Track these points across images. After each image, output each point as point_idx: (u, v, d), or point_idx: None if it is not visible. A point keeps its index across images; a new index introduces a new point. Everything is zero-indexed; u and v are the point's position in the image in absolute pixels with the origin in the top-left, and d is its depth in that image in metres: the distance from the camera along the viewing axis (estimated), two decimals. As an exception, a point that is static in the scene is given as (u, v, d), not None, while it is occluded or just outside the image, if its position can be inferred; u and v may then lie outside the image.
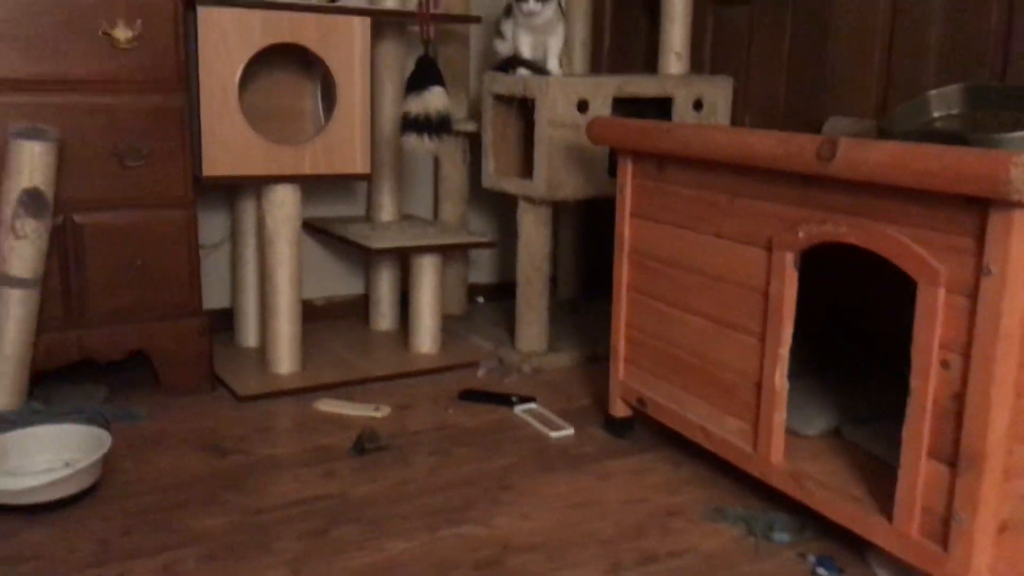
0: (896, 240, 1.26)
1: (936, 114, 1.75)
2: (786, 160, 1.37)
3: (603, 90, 2.23)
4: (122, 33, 1.92)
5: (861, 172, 1.25)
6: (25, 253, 1.83)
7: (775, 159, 1.40)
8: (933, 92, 1.76)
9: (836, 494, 1.42)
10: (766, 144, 1.41)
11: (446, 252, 2.53)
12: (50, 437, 1.72)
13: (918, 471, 1.27)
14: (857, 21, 2.15)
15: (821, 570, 1.43)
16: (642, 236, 1.80)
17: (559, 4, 2.32)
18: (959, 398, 1.20)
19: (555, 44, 2.33)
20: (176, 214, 2.03)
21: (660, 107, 2.34)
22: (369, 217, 2.63)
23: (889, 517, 1.32)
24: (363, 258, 2.76)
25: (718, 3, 2.53)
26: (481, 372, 2.33)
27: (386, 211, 2.58)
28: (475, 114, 2.63)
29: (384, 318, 2.66)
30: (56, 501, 1.56)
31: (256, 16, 2.04)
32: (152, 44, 1.94)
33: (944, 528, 1.24)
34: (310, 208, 2.56)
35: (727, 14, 2.51)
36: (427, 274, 2.41)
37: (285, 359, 2.24)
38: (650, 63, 2.63)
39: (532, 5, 2.23)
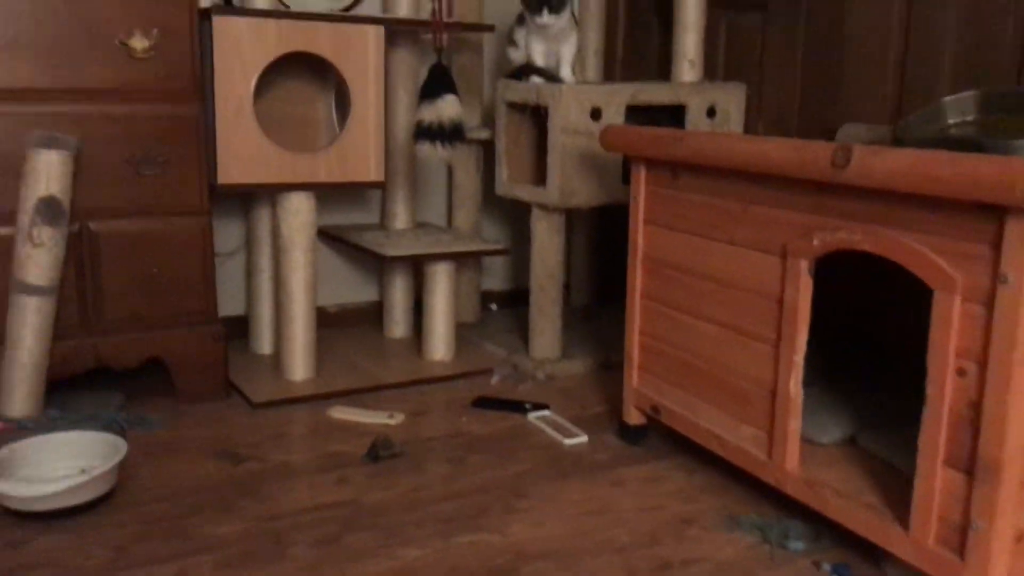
0: (912, 248, 1.26)
1: (951, 121, 1.74)
2: (800, 167, 1.37)
3: (616, 98, 2.23)
4: (139, 43, 1.93)
5: (876, 179, 1.24)
6: (42, 261, 1.85)
7: (789, 167, 1.39)
8: (948, 98, 1.75)
9: (852, 502, 1.42)
10: (780, 151, 1.41)
11: (460, 259, 2.53)
12: (66, 444, 1.72)
13: (934, 480, 1.26)
14: (871, 27, 2.14)
15: (837, 579, 1.43)
16: (656, 243, 1.79)
17: (572, 13, 2.32)
18: (975, 406, 1.20)
19: (568, 52, 2.34)
20: (192, 222, 2.04)
21: (673, 115, 2.34)
22: (383, 225, 2.64)
23: (905, 526, 1.31)
24: (377, 265, 2.77)
25: (731, 10, 2.53)
26: (495, 379, 2.34)
27: (400, 219, 2.59)
28: (488, 122, 2.63)
29: (398, 325, 2.66)
30: (72, 508, 1.57)
31: (271, 25, 2.05)
32: (168, 54, 1.96)
33: (961, 537, 1.23)
34: (324, 216, 2.57)
35: (740, 21, 2.51)
36: (441, 281, 2.41)
37: (300, 366, 2.25)
38: (663, 71, 2.63)
39: (546, 18, 2.24)
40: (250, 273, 2.46)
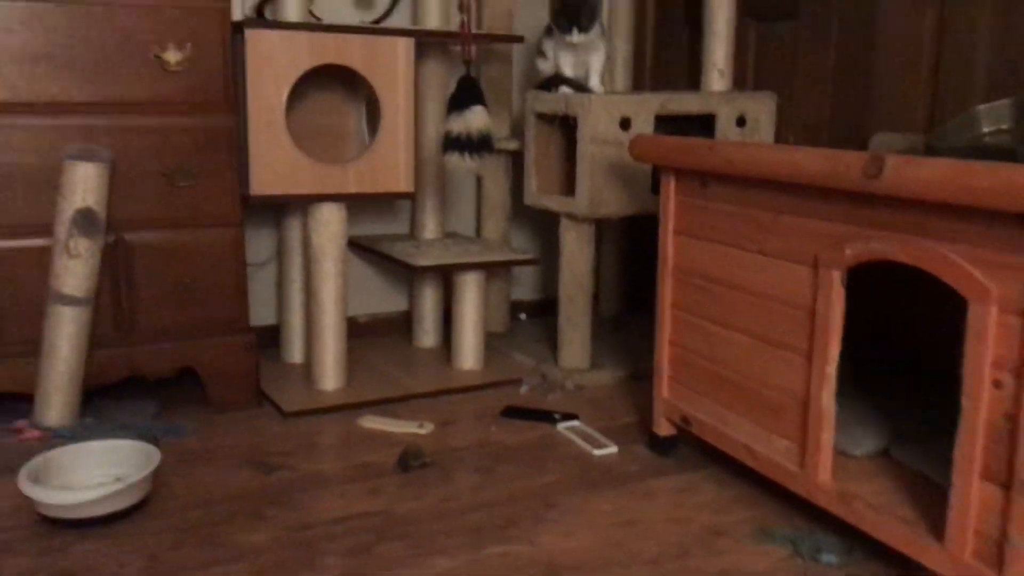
0: (946, 258, 1.24)
1: (986, 129, 1.72)
2: (832, 177, 1.36)
3: (646, 107, 2.23)
4: (172, 56, 1.96)
5: (909, 189, 1.23)
6: (78, 272, 1.88)
7: (821, 176, 1.39)
8: (982, 107, 1.73)
9: (885, 515, 1.40)
10: (812, 161, 1.40)
11: (489, 269, 2.54)
12: (101, 452, 1.75)
13: (971, 493, 1.24)
14: (903, 35, 2.13)
15: (871, 593, 1.41)
16: (685, 254, 1.79)
17: (600, 23, 2.33)
18: (1012, 419, 1.18)
19: (597, 62, 2.34)
20: (224, 233, 2.07)
21: (702, 124, 2.33)
22: (412, 235, 2.65)
23: (941, 540, 1.30)
24: (406, 275, 2.78)
25: (761, 19, 2.52)
26: (524, 389, 2.34)
27: (429, 229, 2.60)
28: (517, 132, 2.64)
29: (427, 335, 2.67)
30: (107, 516, 1.59)
31: (302, 38, 2.07)
32: (201, 66, 1.98)
33: (998, 552, 1.21)
34: (354, 226, 2.58)
35: (770, 30, 2.50)
36: (470, 291, 2.42)
37: (330, 376, 2.26)
38: (693, 80, 2.62)
39: (576, 37, 2.25)
40: (281, 283, 2.48)
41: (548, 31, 2.39)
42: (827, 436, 1.49)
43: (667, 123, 2.27)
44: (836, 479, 1.50)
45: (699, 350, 1.78)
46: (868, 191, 1.30)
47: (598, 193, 2.21)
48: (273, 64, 2.06)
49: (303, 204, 2.25)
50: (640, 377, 2.40)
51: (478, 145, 2.26)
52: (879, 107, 2.20)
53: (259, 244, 2.54)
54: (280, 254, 2.48)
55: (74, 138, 1.91)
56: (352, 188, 2.19)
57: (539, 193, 2.40)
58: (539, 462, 1.90)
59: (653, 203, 2.21)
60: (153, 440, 1.86)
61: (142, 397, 2.13)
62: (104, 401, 2.05)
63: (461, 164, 2.26)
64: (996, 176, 1.12)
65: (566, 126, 2.33)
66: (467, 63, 2.29)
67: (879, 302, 1.86)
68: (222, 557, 1.50)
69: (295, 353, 2.48)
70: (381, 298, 2.80)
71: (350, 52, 2.13)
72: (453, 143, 2.25)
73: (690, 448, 1.93)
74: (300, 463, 1.88)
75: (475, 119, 2.25)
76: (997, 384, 1.20)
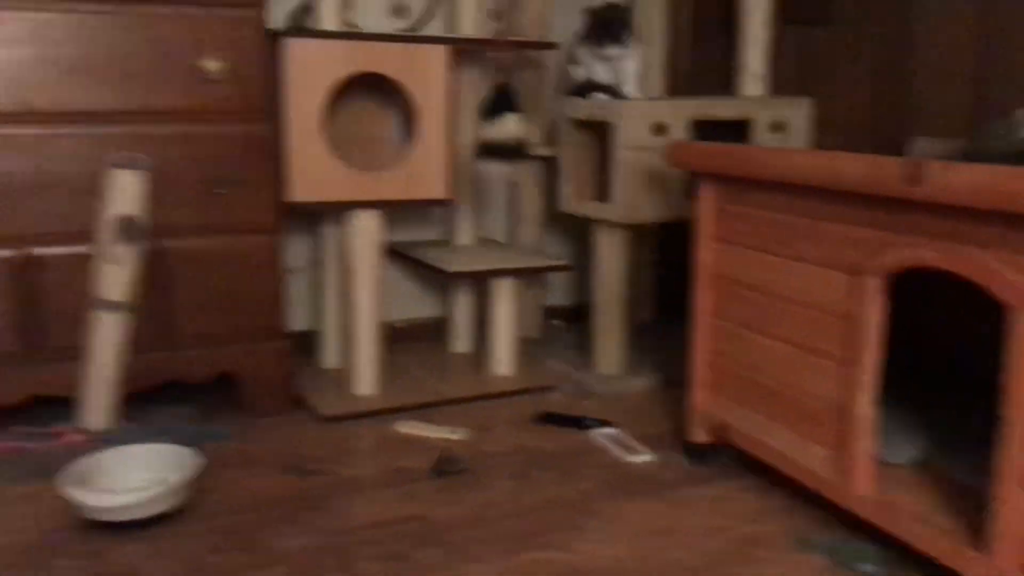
0: (987, 265, 1.23)
1: (1027, 134, 1.70)
2: (871, 184, 1.35)
3: (681, 113, 2.22)
4: (211, 65, 1.98)
5: (949, 195, 1.22)
6: (120, 278, 1.91)
7: (860, 183, 1.38)
8: (1022, 111, 1.71)
9: (927, 525, 1.39)
10: (850, 167, 1.39)
11: (523, 275, 2.54)
12: (142, 456, 1.77)
13: (1015, 503, 1.22)
14: (943, 38, 2.10)
15: (911, 604, 1.39)
16: (721, 260, 1.78)
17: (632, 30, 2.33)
18: (1057, 428, 1.16)
19: (631, 68, 2.34)
20: (262, 240, 2.09)
21: (735, 130, 2.32)
22: (447, 241, 2.66)
23: (983, 550, 1.28)
24: (439, 281, 2.79)
25: (797, 23, 2.51)
26: (558, 395, 2.34)
27: (464, 235, 2.61)
28: (551, 138, 2.64)
29: (461, 340, 2.68)
30: (149, 519, 1.61)
31: (341, 47, 2.09)
32: (240, 75, 2.01)
33: (1043, 563, 1.19)
34: (387, 232, 2.60)
35: (806, 34, 2.48)
36: (504, 297, 2.43)
37: (366, 381, 2.28)
38: (728, 85, 2.61)
39: (612, 51, 2.25)
40: (318, 288, 2.50)
41: (582, 38, 2.39)
42: (866, 445, 1.47)
43: (700, 129, 2.26)
44: (876, 488, 1.49)
45: (735, 357, 1.77)
46: (908, 197, 1.29)
47: (633, 199, 2.21)
48: (312, 72, 2.08)
49: (341, 211, 2.26)
50: (675, 384, 2.39)
51: (512, 152, 2.28)
52: (917, 111, 2.17)
53: (295, 249, 2.56)
54: (316, 259, 2.50)
55: (116, 146, 1.94)
56: (389, 195, 2.21)
57: (574, 199, 2.40)
58: (574, 469, 1.90)
59: (688, 209, 2.21)
60: (192, 444, 1.88)
61: (180, 402, 2.16)
62: (143, 406, 2.08)
63: (496, 171, 2.27)
64: (1040, 183, 1.10)
65: (600, 132, 2.33)
66: (502, 70, 2.30)
67: (920, 309, 1.84)
68: (260, 562, 1.52)
69: (331, 358, 2.50)
70: (414, 303, 2.81)
71: (387, 60, 2.15)
72: (488, 150, 2.26)
73: (726, 456, 1.92)
74: (336, 468, 1.89)
75: (510, 126, 2.26)
76: (1041, 393, 1.18)
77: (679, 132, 2.21)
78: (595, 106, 2.27)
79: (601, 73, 2.34)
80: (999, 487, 1.24)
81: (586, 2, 2.35)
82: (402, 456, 1.95)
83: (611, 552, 1.55)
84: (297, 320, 2.54)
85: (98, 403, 1.93)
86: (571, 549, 1.56)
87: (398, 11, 2.60)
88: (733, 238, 1.74)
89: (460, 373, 2.50)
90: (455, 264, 2.34)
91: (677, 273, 2.55)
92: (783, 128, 2.34)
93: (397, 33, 2.39)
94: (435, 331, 2.81)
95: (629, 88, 2.33)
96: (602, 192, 2.37)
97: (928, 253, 1.32)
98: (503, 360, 2.45)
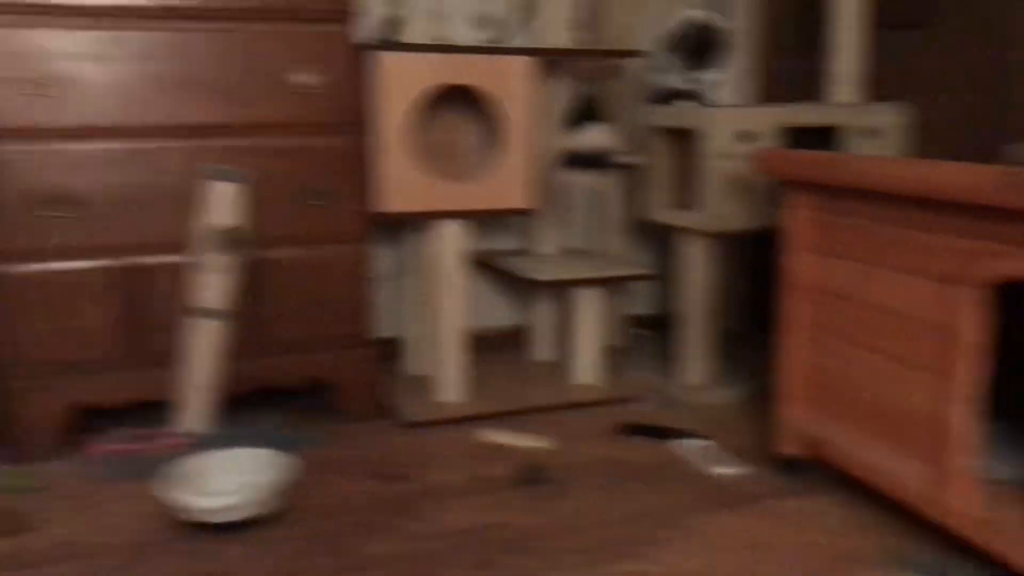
0: (1099, 277, 1.18)
1: None
2: (969, 192, 1.32)
3: (768, 121, 2.19)
4: (304, 79, 2.03)
5: (1058, 205, 1.18)
6: (216, 286, 1.97)
7: (958, 191, 1.34)
8: None
9: (1031, 546, 1.34)
10: (947, 175, 1.36)
11: (608, 284, 2.54)
12: (238, 460, 1.82)
13: None
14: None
15: (1015, 627, 1.35)
16: (812, 270, 1.75)
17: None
18: None
19: (716, 75, 2.32)
20: (351, 249, 2.13)
21: (823, 137, 2.28)
22: (529, 250, 2.68)
23: (1093, 574, 1.23)
24: (521, 290, 2.80)
25: (888, 28, 2.45)
26: (643, 406, 2.32)
27: (547, 244, 2.62)
28: (635, 147, 2.63)
29: (542, 349, 2.69)
30: (243, 521, 1.65)
31: (429, 60, 2.12)
32: (332, 89, 2.05)
33: None
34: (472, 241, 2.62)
35: (898, 39, 2.43)
36: (588, 306, 2.42)
37: (451, 388, 2.30)
38: (817, 92, 2.56)
39: (707, 76, 2.23)
40: (404, 296, 2.54)
41: (666, 45, 2.38)
42: (966, 460, 1.43)
43: (787, 136, 2.22)
44: (978, 506, 1.44)
45: (827, 369, 1.73)
46: (1008, 206, 1.25)
47: (721, 207, 2.19)
48: (403, 85, 2.11)
49: (428, 221, 2.30)
50: (764, 395, 2.35)
51: (596, 161, 2.28)
52: (1014, 116, 2.10)
53: (381, 258, 2.60)
54: (402, 267, 2.53)
55: (212, 159, 2.00)
56: (473, 205, 2.23)
57: (660, 208, 2.39)
58: (659, 480, 1.88)
59: (776, 217, 2.17)
60: (286, 448, 1.92)
61: (272, 407, 2.21)
62: (237, 410, 2.14)
63: (579, 180, 2.27)
64: None
65: (685, 140, 2.31)
66: (586, 79, 2.30)
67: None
68: (349, 566, 1.54)
69: (416, 365, 2.53)
70: (496, 312, 2.83)
71: (474, 72, 2.17)
72: (571, 160, 2.26)
73: (816, 469, 1.88)
74: (423, 474, 1.91)
75: (593, 136, 2.26)
76: None
77: (768, 140, 2.18)
78: (682, 114, 2.25)
79: (687, 81, 2.32)
80: (1111, 508, 1.20)
81: (670, 10, 2.34)
82: (487, 464, 1.97)
83: (699, 565, 1.54)
84: (383, 327, 2.58)
85: (196, 407, 2.00)
86: (659, 561, 1.55)
87: (483, 23, 2.63)
88: (824, 248, 1.71)
89: (543, 382, 2.50)
90: (541, 273, 2.35)
91: (767, 282, 2.51)
92: (877, 135, 2.29)
93: (483, 44, 2.41)
94: (513, 340, 2.82)
95: (715, 95, 2.31)
96: (687, 200, 2.35)
97: (1033, 264, 1.28)
98: (587, 369, 2.45)
